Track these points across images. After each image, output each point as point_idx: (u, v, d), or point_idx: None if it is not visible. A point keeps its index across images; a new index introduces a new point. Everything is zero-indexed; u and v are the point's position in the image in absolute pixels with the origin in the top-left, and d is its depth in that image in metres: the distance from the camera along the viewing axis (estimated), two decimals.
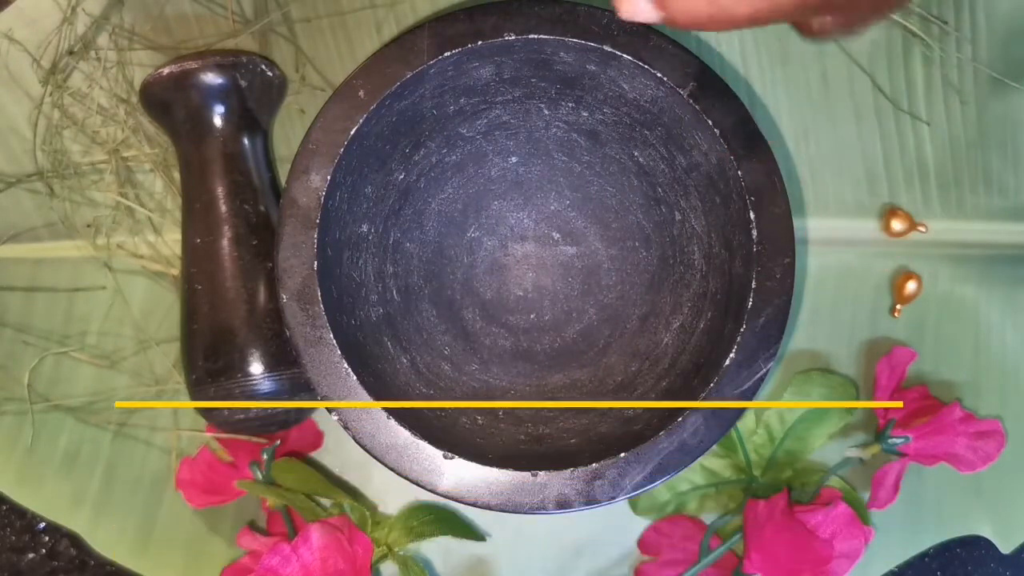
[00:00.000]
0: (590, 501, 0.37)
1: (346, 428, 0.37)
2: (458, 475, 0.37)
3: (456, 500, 0.37)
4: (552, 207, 0.44)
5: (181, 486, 0.44)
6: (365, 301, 0.41)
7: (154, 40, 0.45)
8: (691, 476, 0.45)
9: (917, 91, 0.45)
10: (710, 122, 0.38)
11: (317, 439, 0.46)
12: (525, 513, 0.37)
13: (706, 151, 0.39)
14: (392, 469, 0.37)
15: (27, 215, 0.46)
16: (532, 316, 0.44)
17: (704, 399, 0.37)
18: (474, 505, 0.37)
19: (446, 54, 0.38)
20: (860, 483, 0.45)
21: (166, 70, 0.42)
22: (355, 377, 0.37)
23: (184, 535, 0.46)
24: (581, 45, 0.38)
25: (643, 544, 0.45)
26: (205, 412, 0.42)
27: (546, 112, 0.42)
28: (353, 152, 0.38)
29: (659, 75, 0.38)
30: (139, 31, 0.45)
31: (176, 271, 0.46)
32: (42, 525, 0.47)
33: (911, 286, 0.45)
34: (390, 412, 0.37)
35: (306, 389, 0.42)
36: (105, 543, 0.45)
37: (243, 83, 0.42)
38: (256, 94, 0.43)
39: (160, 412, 0.46)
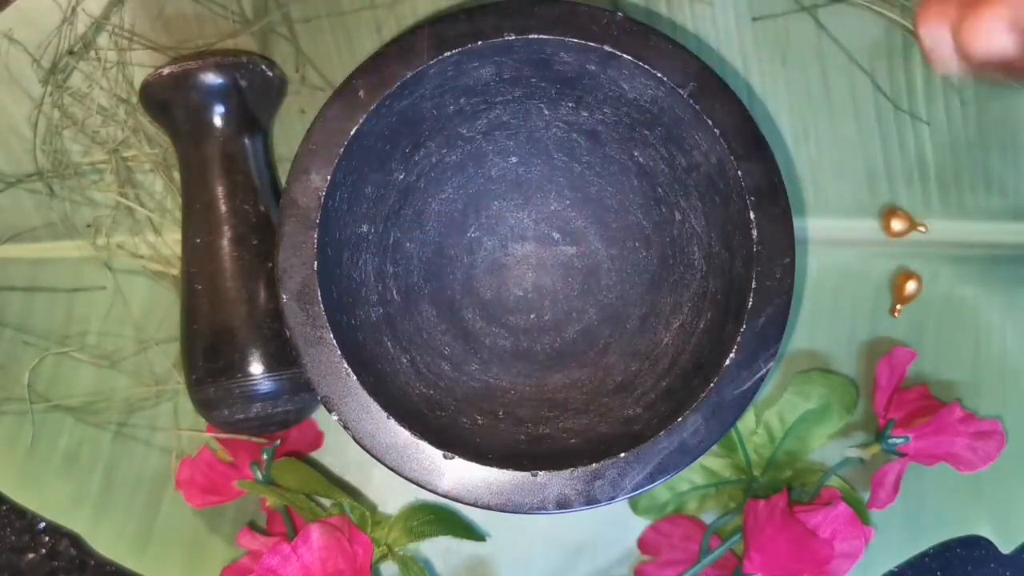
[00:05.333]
0: (590, 501, 0.37)
1: (346, 428, 0.37)
2: (458, 475, 0.37)
3: (456, 500, 0.37)
4: (552, 207, 0.44)
5: (181, 486, 0.44)
6: (365, 301, 0.41)
7: (154, 40, 0.45)
8: (691, 476, 0.45)
9: (917, 91, 0.45)
10: (710, 122, 0.38)
11: (317, 439, 0.46)
12: (525, 513, 0.37)
13: (706, 151, 0.39)
14: (392, 469, 0.37)
15: (27, 215, 0.46)
16: (532, 316, 0.44)
17: (704, 399, 0.37)
18: (474, 505, 0.37)
19: (446, 54, 0.38)
20: (860, 483, 0.45)
21: (166, 70, 0.42)
22: (355, 377, 0.37)
23: (184, 535, 0.46)
24: (581, 45, 0.38)
25: (643, 544, 0.45)
26: (205, 412, 0.42)
27: (546, 112, 0.42)
28: (353, 152, 0.38)
29: (659, 75, 0.38)
30: (139, 31, 0.45)
31: (176, 271, 0.46)
32: (42, 525, 0.47)
33: (911, 286, 0.45)
34: (390, 412, 0.37)
35: (306, 389, 0.42)
36: (105, 543, 0.45)
37: (243, 83, 0.42)
38: (256, 94, 0.43)
39: (160, 412, 0.46)
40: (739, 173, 0.38)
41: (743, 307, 0.38)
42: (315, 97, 0.46)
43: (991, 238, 0.46)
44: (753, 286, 0.38)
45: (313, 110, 0.45)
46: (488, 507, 0.37)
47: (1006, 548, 0.45)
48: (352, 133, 0.38)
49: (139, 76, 0.44)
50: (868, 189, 0.46)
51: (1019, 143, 0.45)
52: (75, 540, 0.47)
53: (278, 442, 0.45)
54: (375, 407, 0.37)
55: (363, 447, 0.37)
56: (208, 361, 0.41)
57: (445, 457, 0.37)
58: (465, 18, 0.38)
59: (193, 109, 0.42)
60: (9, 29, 0.45)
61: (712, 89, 0.38)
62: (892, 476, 0.44)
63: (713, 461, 0.45)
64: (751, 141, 0.38)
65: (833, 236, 0.46)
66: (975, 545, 0.46)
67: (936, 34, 0.30)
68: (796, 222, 0.38)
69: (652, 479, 0.37)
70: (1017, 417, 0.45)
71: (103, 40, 0.45)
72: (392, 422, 0.37)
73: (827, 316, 0.46)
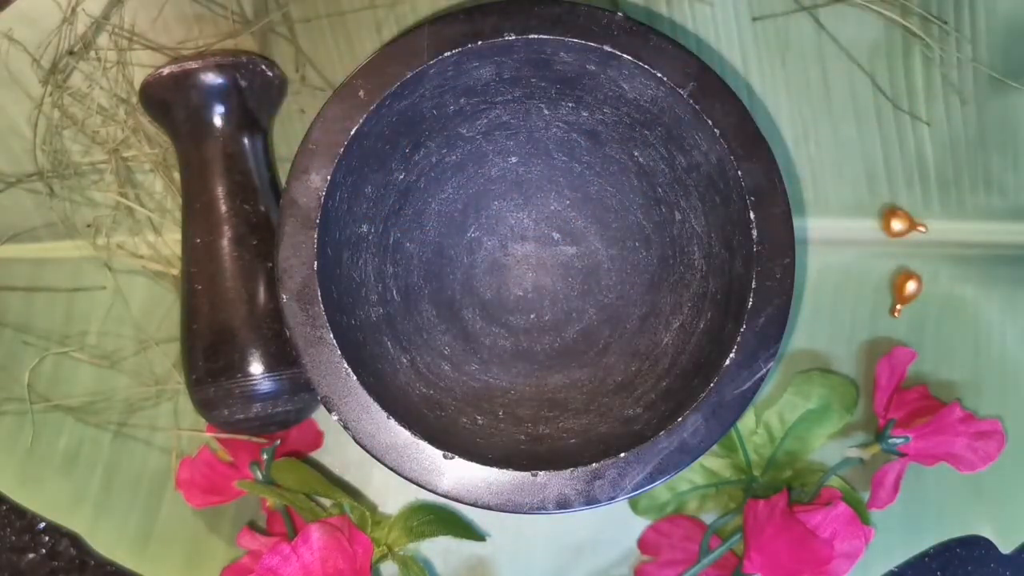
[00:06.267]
0: (590, 501, 0.37)
1: (346, 428, 0.37)
2: (458, 475, 0.37)
3: (456, 500, 0.37)
4: (552, 207, 0.44)
5: (181, 486, 0.44)
6: (365, 301, 0.41)
7: (154, 40, 0.45)
8: (691, 476, 0.45)
9: (917, 91, 0.45)
10: (710, 122, 0.38)
11: (317, 439, 0.46)
12: (525, 513, 0.37)
13: (706, 151, 0.39)
14: (392, 469, 0.37)
15: (27, 215, 0.46)
16: (532, 316, 0.44)
17: (704, 399, 0.37)
18: (474, 505, 0.37)
19: (446, 54, 0.38)
20: (860, 483, 0.45)
21: (166, 70, 0.42)
22: (355, 377, 0.37)
23: (184, 535, 0.46)
24: (581, 45, 0.38)
25: (643, 544, 0.45)
26: (205, 412, 0.42)
27: (546, 112, 0.42)
28: (353, 152, 0.38)
29: (659, 75, 0.38)
30: (139, 31, 0.45)
31: (176, 271, 0.46)
32: (42, 525, 0.47)
33: (911, 286, 0.45)
34: (390, 412, 0.37)
35: (306, 389, 0.42)
36: (105, 543, 0.45)
37: (243, 83, 0.42)
38: (256, 94, 0.43)
39: (160, 412, 0.46)
40: (739, 173, 0.38)
41: (743, 307, 0.38)
42: (315, 97, 0.46)
43: (991, 238, 0.46)
44: (753, 286, 0.38)
45: (313, 110, 0.45)
46: (488, 507, 0.37)
47: (1006, 548, 0.45)
48: (352, 133, 0.38)
49: (139, 76, 0.44)
50: (868, 189, 0.46)
51: (1019, 143, 0.45)
52: (75, 540, 0.47)
53: (278, 442, 0.45)
54: (375, 407, 0.37)
55: (363, 447, 0.37)
56: (208, 361, 0.41)
57: (445, 457, 0.37)
58: (465, 18, 0.38)
59: (193, 109, 0.42)
60: (9, 29, 0.45)
61: (712, 89, 0.38)
62: (892, 476, 0.44)
63: (713, 461, 0.45)
64: (751, 141, 0.38)
65: (833, 236, 0.46)
66: (975, 545, 0.46)
67: None
68: (796, 222, 0.38)
69: (652, 479, 0.37)
70: (1017, 417, 0.45)
71: (103, 40, 0.45)
72: (392, 422, 0.37)
73: (827, 316, 0.46)
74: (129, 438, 0.46)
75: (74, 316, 0.46)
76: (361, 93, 0.38)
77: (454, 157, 0.43)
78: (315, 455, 0.46)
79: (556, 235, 0.45)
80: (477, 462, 0.37)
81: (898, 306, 0.46)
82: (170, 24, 0.45)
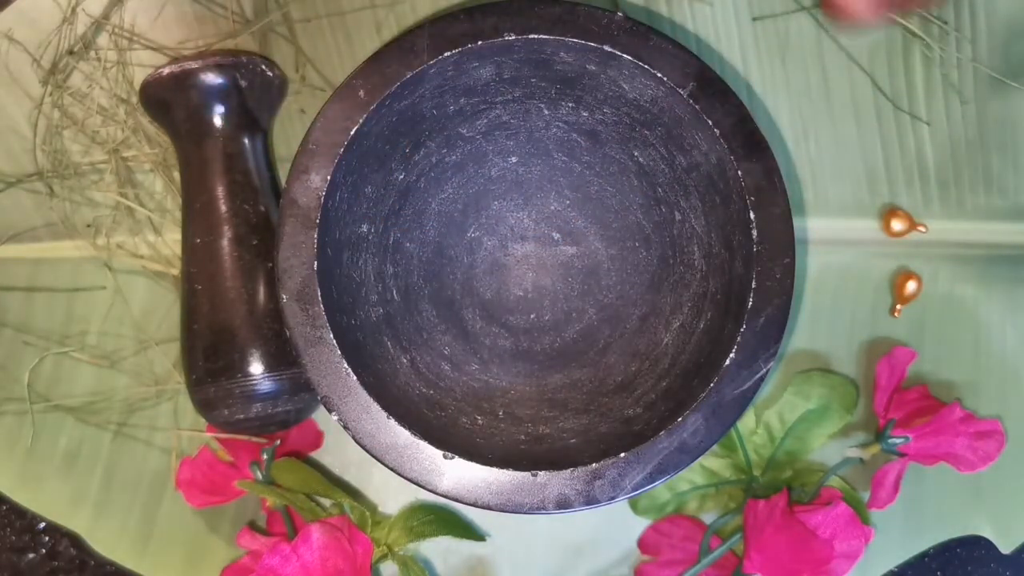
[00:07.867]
0: (590, 501, 0.37)
1: (346, 428, 0.37)
2: (458, 475, 0.37)
3: (456, 500, 0.37)
4: (552, 207, 0.44)
5: (181, 486, 0.44)
6: (365, 301, 0.41)
7: (154, 40, 0.45)
8: (691, 476, 0.45)
9: (917, 91, 0.45)
10: (710, 122, 0.38)
11: (317, 439, 0.46)
12: (525, 513, 0.37)
13: (706, 151, 0.39)
14: (392, 469, 0.37)
15: (27, 215, 0.46)
16: (532, 316, 0.44)
17: (704, 399, 0.37)
18: (474, 505, 0.37)
19: (446, 54, 0.38)
20: (860, 483, 0.45)
21: (166, 70, 0.42)
22: (355, 377, 0.37)
23: (184, 535, 0.46)
24: (581, 45, 0.38)
25: (643, 544, 0.45)
26: (205, 412, 0.42)
27: (546, 112, 0.42)
28: (353, 152, 0.38)
29: (659, 75, 0.38)
30: (139, 31, 0.45)
31: (176, 271, 0.46)
32: (42, 525, 0.47)
33: (911, 286, 0.45)
34: (390, 412, 0.37)
35: (306, 389, 0.42)
36: (105, 543, 0.45)
37: (243, 83, 0.42)
38: (256, 94, 0.43)
39: (160, 412, 0.46)
40: (739, 173, 0.38)
41: (743, 307, 0.38)
42: (315, 97, 0.46)
43: (991, 238, 0.46)
44: (753, 286, 0.38)
45: (313, 110, 0.45)
46: (488, 507, 0.37)
47: (1006, 548, 0.45)
48: (352, 133, 0.38)
49: (139, 76, 0.44)
50: (868, 189, 0.46)
51: (1019, 143, 0.45)
52: (75, 540, 0.47)
53: (278, 442, 0.45)
54: (375, 407, 0.37)
55: (363, 447, 0.37)
56: (208, 361, 0.41)
57: (445, 457, 0.37)
58: (465, 18, 0.38)
59: (193, 109, 0.42)
60: (9, 29, 0.45)
61: (712, 89, 0.38)
62: (892, 476, 0.44)
63: (713, 461, 0.45)
64: (751, 141, 0.38)
65: (833, 236, 0.46)
66: (975, 545, 0.46)
67: None
68: (796, 222, 0.38)
69: (652, 479, 0.37)
70: (1017, 417, 0.45)
71: (103, 40, 0.45)
72: (392, 422, 0.37)
73: (827, 316, 0.46)
74: (129, 438, 0.46)
75: (74, 316, 0.46)
76: (361, 93, 0.38)
77: (454, 157, 0.43)
78: (315, 455, 0.46)
79: (556, 235, 0.45)
80: (477, 462, 0.37)
81: (898, 306, 0.46)
82: (170, 24, 0.45)
